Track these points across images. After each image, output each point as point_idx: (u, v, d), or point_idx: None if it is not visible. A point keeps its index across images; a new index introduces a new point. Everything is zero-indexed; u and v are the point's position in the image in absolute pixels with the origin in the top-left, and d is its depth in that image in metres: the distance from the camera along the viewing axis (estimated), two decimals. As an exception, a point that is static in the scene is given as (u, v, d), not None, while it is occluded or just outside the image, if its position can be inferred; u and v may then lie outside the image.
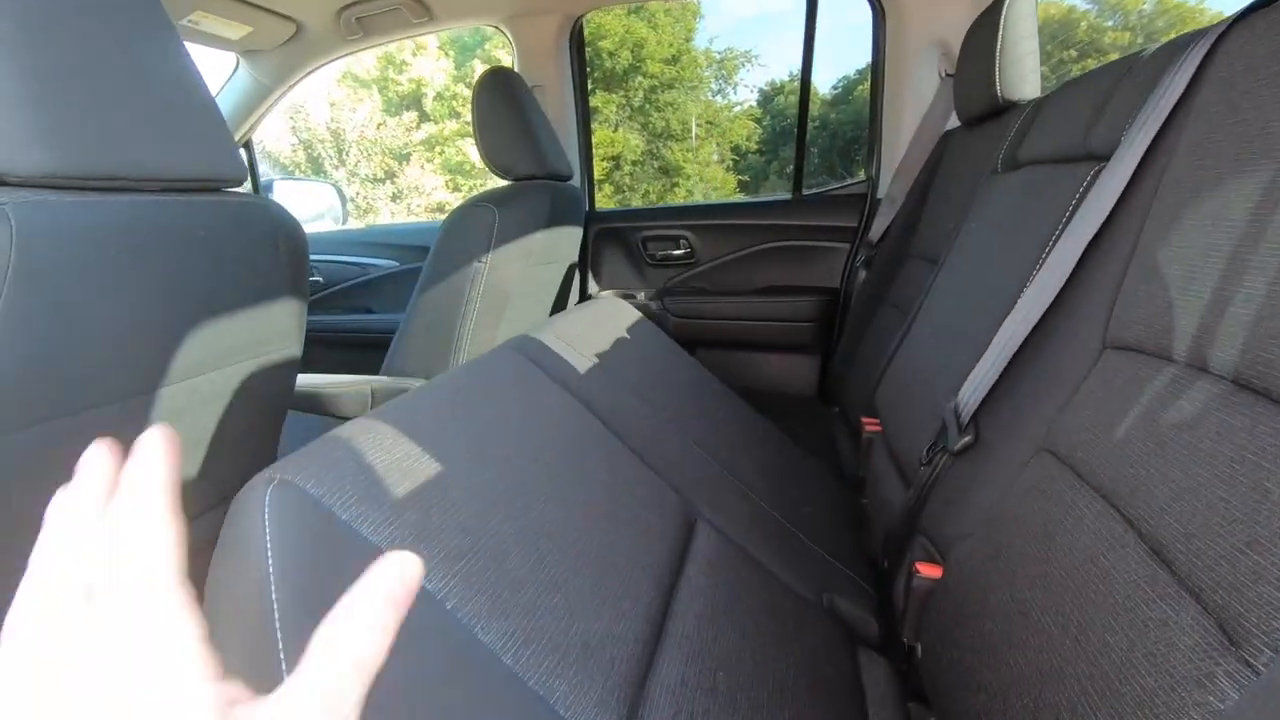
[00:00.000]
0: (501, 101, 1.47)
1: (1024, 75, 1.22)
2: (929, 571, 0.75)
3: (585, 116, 1.98)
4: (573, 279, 1.84)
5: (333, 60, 1.93)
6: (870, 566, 1.00)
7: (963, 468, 0.77)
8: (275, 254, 0.77)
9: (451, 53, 20.03)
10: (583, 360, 0.96)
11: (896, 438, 1.01)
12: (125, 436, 0.67)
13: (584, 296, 2.06)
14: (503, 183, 1.55)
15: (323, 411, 1.41)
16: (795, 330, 1.94)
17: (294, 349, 0.88)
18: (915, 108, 1.72)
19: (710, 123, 19.83)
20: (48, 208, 0.53)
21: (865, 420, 1.24)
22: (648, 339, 1.27)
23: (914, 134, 1.71)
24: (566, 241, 1.65)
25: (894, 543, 0.85)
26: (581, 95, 1.97)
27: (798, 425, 1.70)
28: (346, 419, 1.44)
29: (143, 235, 0.60)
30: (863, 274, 1.79)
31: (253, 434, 0.89)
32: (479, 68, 17.28)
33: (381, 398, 1.39)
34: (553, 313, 1.73)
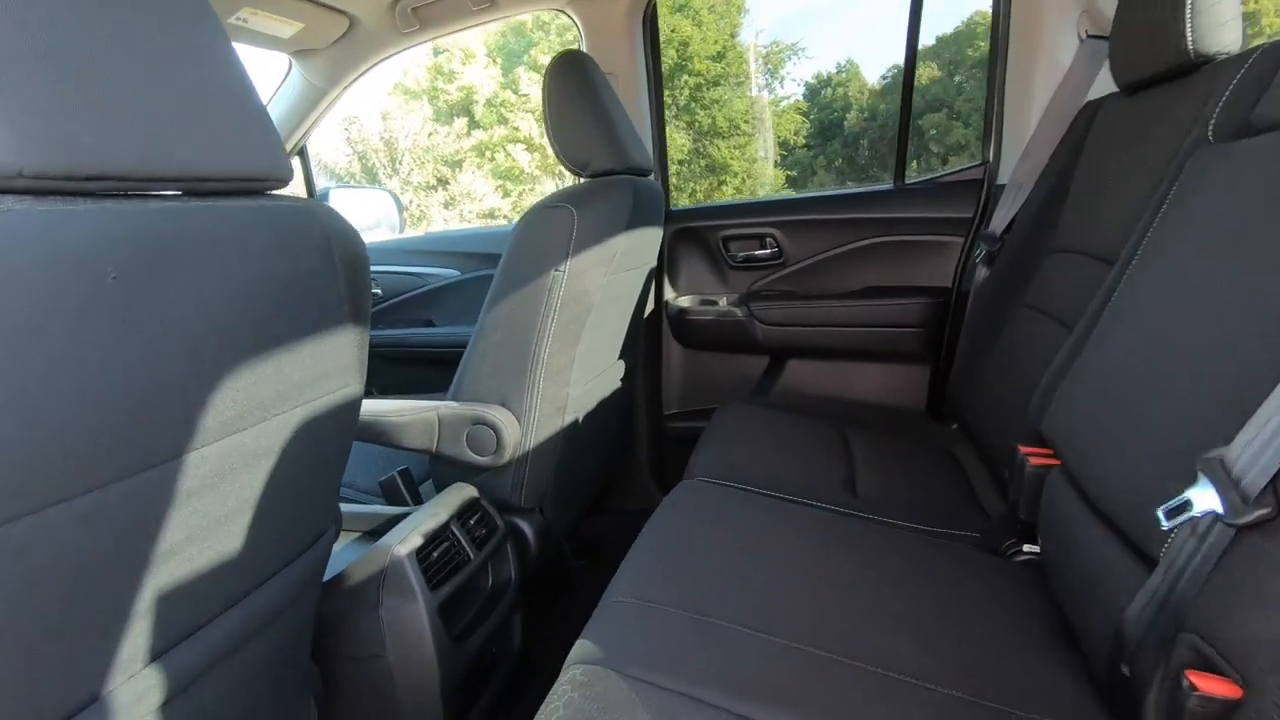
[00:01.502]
0: (576, 89, 1.30)
1: (1222, 21, 0.98)
2: (1215, 689, 0.54)
3: (659, 106, 1.80)
4: (651, 287, 1.66)
5: (388, 57, 1.80)
6: (1077, 668, 0.79)
7: (1259, 544, 0.56)
8: (330, 272, 0.61)
9: (499, 59, 20.30)
10: None
11: (1101, 484, 0.79)
12: (143, 518, 0.51)
13: (659, 304, 1.88)
14: (555, 182, 1.39)
15: (386, 443, 1.26)
16: (901, 337, 1.72)
17: (355, 386, 0.72)
18: (1047, 77, 1.49)
19: (757, 118, 19.53)
20: (11, 219, 0.37)
21: (1028, 450, 1.02)
22: None
23: (1045, 108, 1.48)
24: (649, 244, 1.47)
25: (1138, 639, 0.64)
26: (655, 83, 1.79)
27: (907, 445, 1.48)
28: (413, 450, 1.28)
29: (152, 253, 0.44)
30: (982, 271, 1.56)
31: (312, 487, 0.73)
32: (524, 75, 17.46)
33: (450, 425, 1.24)
34: (630, 326, 1.56)
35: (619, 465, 1.87)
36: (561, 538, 1.55)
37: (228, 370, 0.52)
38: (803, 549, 1.01)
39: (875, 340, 1.73)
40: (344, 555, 1.10)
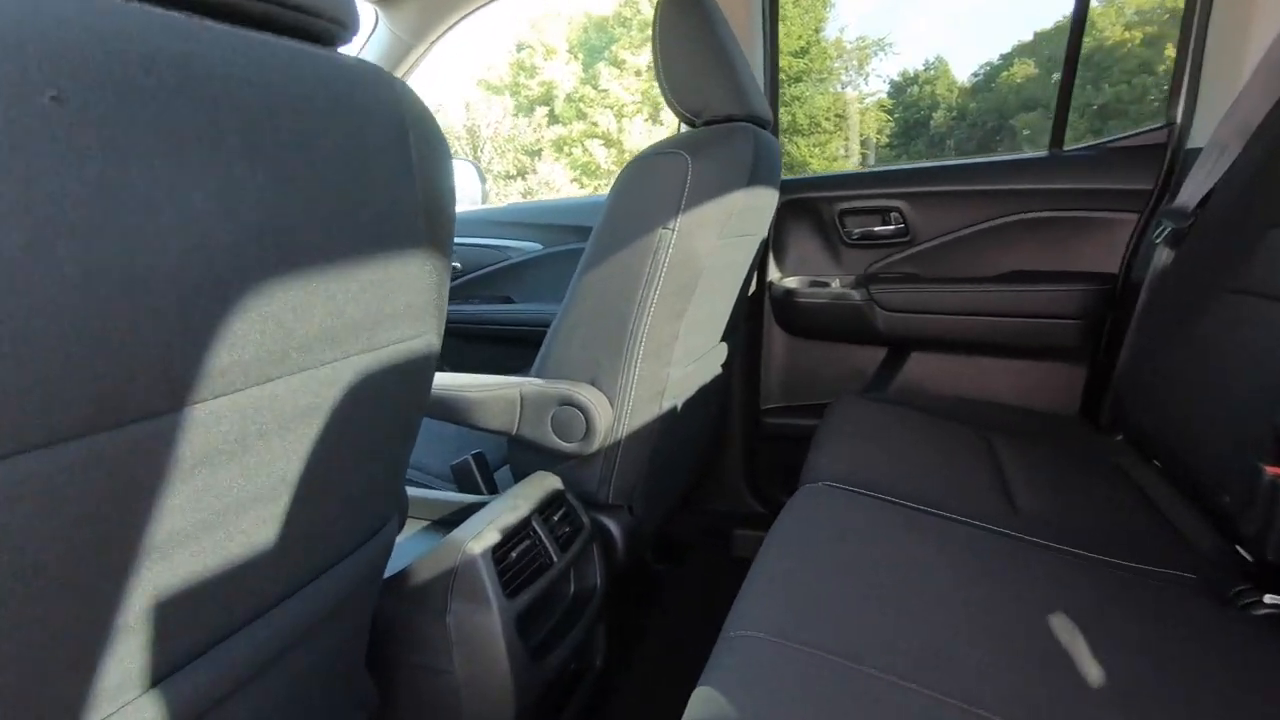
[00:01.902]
0: (691, 22, 1.12)
1: None
2: None
3: (774, 59, 1.60)
4: (759, 263, 1.46)
5: (480, 8, 1.66)
6: None
7: None
8: (404, 163, 0.44)
9: (580, 55, 20.45)
10: None
11: None
12: (127, 495, 0.33)
13: (762, 284, 1.68)
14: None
15: (460, 420, 1.11)
16: (1054, 330, 1.46)
17: (431, 337, 0.55)
18: (1270, 14, 1.21)
19: (839, 116, 19.05)
20: None
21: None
22: None
23: (1263, 56, 1.20)
24: (764, 208, 1.27)
25: None
26: (771, 34, 1.58)
27: (1063, 456, 1.23)
28: (490, 431, 1.13)
29: (131, 77, 0.28)
30: (1165, 253, 1.29)
31: (372, 464, 0.57)
32: (604, 71, 17.49)
33: (533, 405, 1.08)
34: (735, 305, 1.36)
35: (711, 461, 1.69)
36: (648, 540, 1.38)
37: (254, 286, 0.36)
38: (965, 578, 0.80)
39: (1022, 333, 1.48)
40: (408, 547, 0.96)
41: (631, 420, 1.08)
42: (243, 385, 0.38)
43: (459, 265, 2.01)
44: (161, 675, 0.44)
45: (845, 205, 1.61)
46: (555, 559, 0.93)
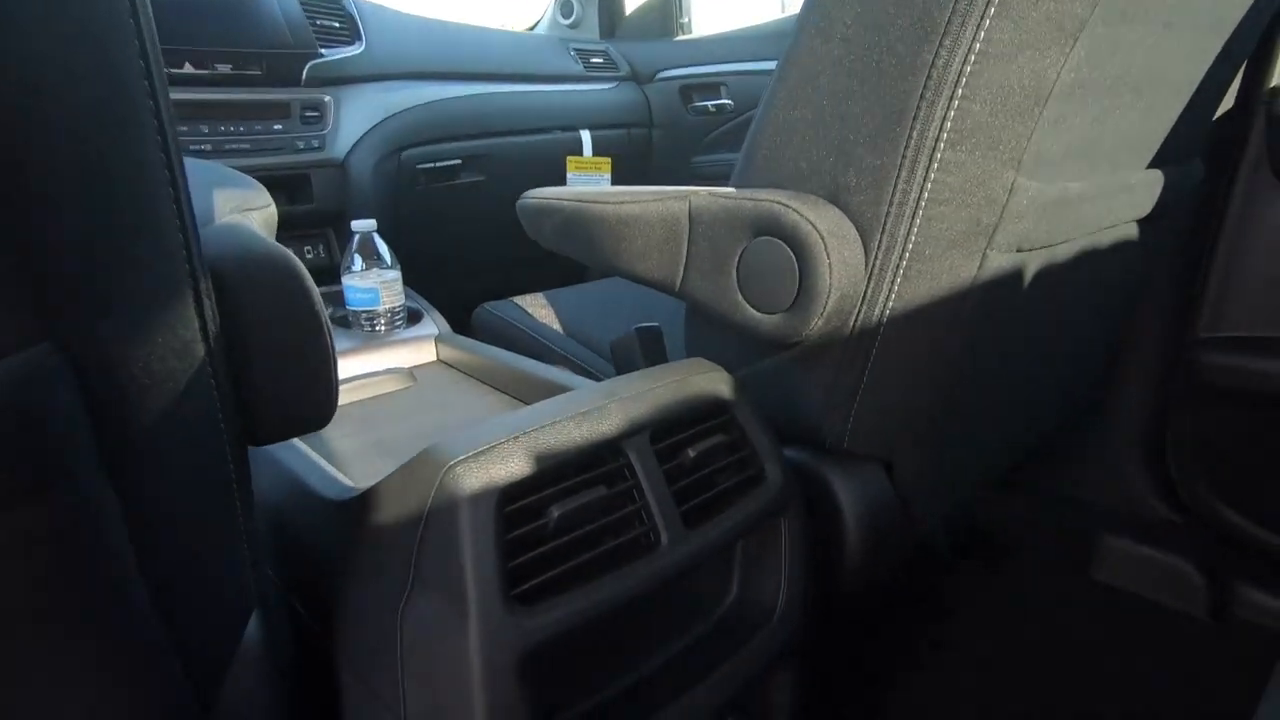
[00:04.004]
0: None
1: None
2: None
3: None
4: (1237, 54, 0.69)
5: None
6: None
7: None
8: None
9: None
10: None
11: None
12: None
13: (1251, 97, 0.86)
14: None
15: (594, 256, 0.66)
16: None
17: None
18: None
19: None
20: None
21: None
22: None
23: None
24: None
25: None
26: None
27: None
28: (643, 279, 0.61)
29: None
30: None
31: None
32: None
33: (709, 230, 0.56)
34: (1188, 109, 0.64)
35: (1078, 413, 0.99)
36: (919, 536, 0.79)
37: None
38: None
39: None
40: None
41: (908, 281, 0.51)
42: None
43: (730, 102, 1.50)
44: None
45: None
46: (662, 537, 0.43)
